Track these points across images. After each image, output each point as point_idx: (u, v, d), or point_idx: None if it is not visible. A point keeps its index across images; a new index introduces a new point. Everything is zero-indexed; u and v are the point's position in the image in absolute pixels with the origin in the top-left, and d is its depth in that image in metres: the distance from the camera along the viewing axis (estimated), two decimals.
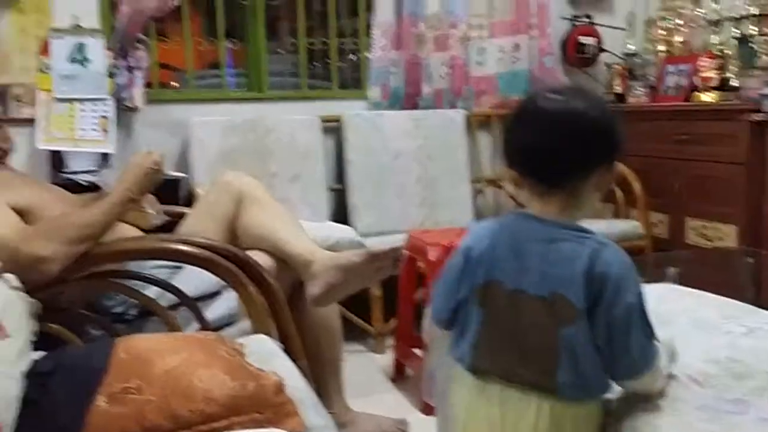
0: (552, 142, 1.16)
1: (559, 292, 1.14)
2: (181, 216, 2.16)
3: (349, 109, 3.52)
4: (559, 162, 1.17)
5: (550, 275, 1.14)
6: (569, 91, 1.23)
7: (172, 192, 2.95)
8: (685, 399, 1.23)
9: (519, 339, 1.17)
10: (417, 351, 2.58)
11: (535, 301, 1.16)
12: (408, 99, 3.65)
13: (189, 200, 3.01)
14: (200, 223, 2.06)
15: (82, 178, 2.83)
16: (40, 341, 1.34)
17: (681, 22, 3.65)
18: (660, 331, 1.36)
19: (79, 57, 3.03)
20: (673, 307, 1.73)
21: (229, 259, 1.70)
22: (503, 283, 1.18)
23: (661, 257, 3.03)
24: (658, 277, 2.29)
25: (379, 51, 3.59)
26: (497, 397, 1.20)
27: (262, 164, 3.27)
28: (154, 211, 2.00)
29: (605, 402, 1.24)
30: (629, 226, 3.32)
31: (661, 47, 3.73)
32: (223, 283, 1.84)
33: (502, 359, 1.19)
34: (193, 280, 1.86)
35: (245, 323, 1.75)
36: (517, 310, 1.17)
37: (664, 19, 3.74)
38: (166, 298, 1.80)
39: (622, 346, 1.13)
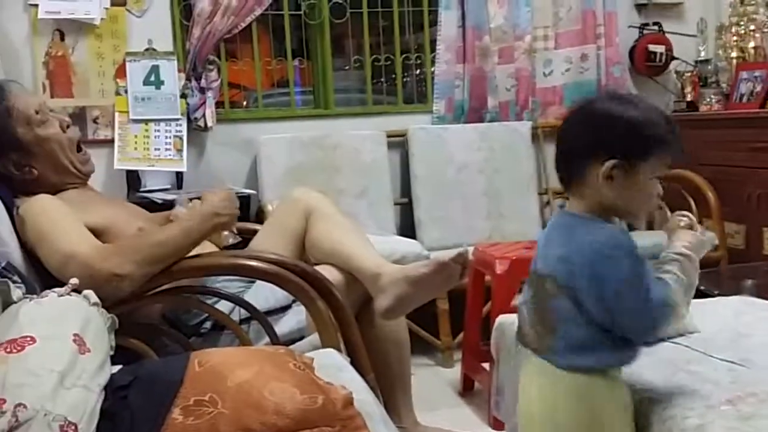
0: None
1: (552, 268, 1.28)
2: (251, 232, 2.21)
3: (414, 124, 3.54)
4: (556, 156, 1.32)
5: (550, 255, 1.29)
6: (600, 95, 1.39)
7: (243, 209, 3.01)
8: (763, 415, 1.20)
9: (534, 313, 1.33)
10: (485, 365, 2.56)
11: (542, 279, 1.31)
12: (473, 112, 3.65)
13: (259, 217, 3.07)
14: (270, 239, 2.10)
15: (158, 197, 2.91)
16: (117, 355, 1.39)
17: (754, 28, 3.55)
18: (736, 347, 1.32)
19: (153, 79, 3.13)
20: (750, 320, 1.68)
21: (298, 274, 1.72)
22: (536, 269, 1.34)
23: (737, 269, 2.93)
24: (734, 290, 2.23)
25: (444, 65, 3.61)
26: (524, 366, 1.36)
27: (329, 180, 3.31)
28: (228, 232, 2.05)
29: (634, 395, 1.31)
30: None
31: (734, 54, 3.63)
32: (292, 297, 1.87)
33: (526, 332, 1.36)
34: (263, 294, 1.89)
35: (314, 337, 1.77)
36: (535, 290, 1.33)
37: (738, 24, 3.65)
38: (238, 312, 1.84)
39: (625, 319, 1.22)
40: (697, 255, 1.28)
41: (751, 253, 3.21)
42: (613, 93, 1.35)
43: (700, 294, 2.26)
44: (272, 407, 1.16)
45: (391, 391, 2.11)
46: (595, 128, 1.26)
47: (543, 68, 3.72)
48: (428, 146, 3.46)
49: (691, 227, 1.33)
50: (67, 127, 2.03)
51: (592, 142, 1.25)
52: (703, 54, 3.80)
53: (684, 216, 1.33)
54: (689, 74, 3.79)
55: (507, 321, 1.86)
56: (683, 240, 1.29)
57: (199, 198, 2.02)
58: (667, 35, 3.84)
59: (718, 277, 2.76)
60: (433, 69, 3.66)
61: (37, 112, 1.95)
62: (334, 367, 1.51)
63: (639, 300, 1.21)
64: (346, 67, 3.92)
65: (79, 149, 2.05)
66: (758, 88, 3.37)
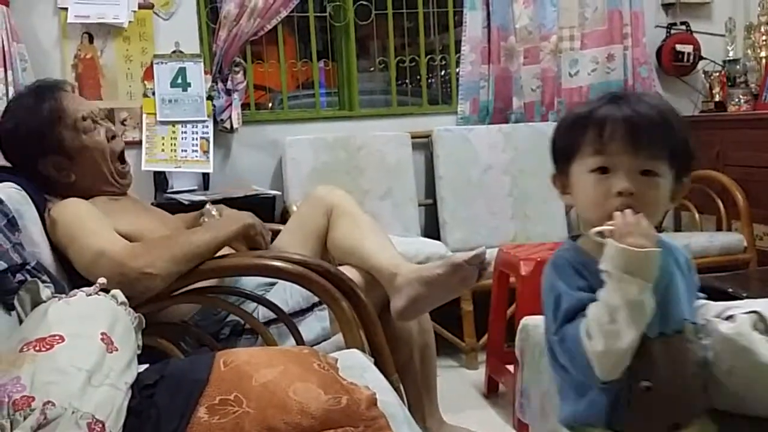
0: None
1: None
2: (275, 232, 2.21)
3: (439, 125, 3.53)
4: None
5: None
6: None
7: (268, 209, 3.03)
8: None
9: None
10: (509, 367, 2.55)
11: None
12: (498, 113, 3.63)
13: (284, 217, 3.09)
14: (293, 239, 2.11)
15: (184, 198, 2.94)
16: (144, 354, 1.40)
17: None
18: None
19: (180, 81, 3.16)
20: None
21: (321, 274, 1.72)
22: None
23: (766, 271, 2.89)
24: (762, 293, 2.19)
25: (469, 66, 3.60)
26: None
27: (353, 181, 3.32)
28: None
29: None
30: (732, 238, 3.20)
31: (763, 53, 3.58)
32: (312, 300, 1.88)
33: None
34: (282, 297, 1.90)
35: (338, 338, 1.78)
36: None
37: (767, 23, 3.60)
38: (259, 314, 1.84)
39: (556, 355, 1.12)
40: (616, 267, 1.01)
41: None
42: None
43: (728, 296, 2.23)
44: (297, 407, 1.17)
45: (416, 392, 2.11)
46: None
47: (569, 68, 3.70)
48: (453, 147, 3.45)
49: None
50: (112, 137, 2.02)
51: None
52: (731, 54, 3.75)
53: (603, 228, 1.05)
54: (717, 74, 3.74)
55: (531, 323, 1.84)
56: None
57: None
58: (694, 35, 3.80)
59: (746, 279, 2.72)
60: (458, 70, 3.66)
61: (84, 119, 1.95)
62: (358, 368, 1.51)
63: (551, 331, 1.10)
64: (371, 69, 3.93)
65: (122, 161, 2.06)
66: None
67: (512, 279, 2.59)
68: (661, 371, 1.05)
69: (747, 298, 2.00)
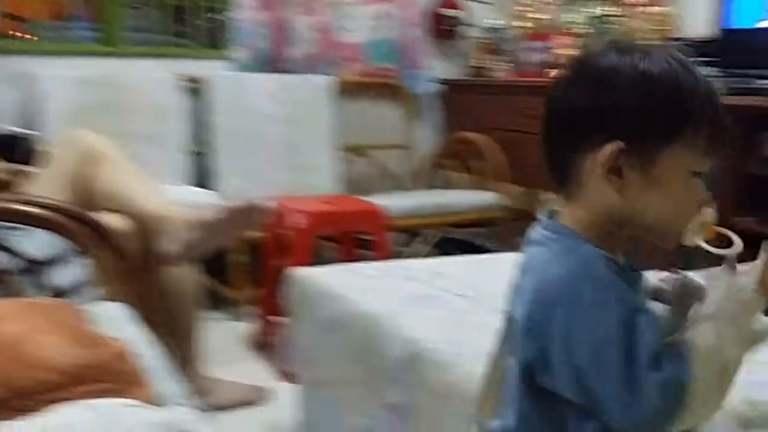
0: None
1: (510, 310, 0.87)
2: (24, 175, 2.03)
3: (213, 70, 3.41)
4: (541, 138, 0.91)
5: (509, 289, 0.87)
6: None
7: (19, 151, 2.76)
8: None
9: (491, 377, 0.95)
10: (280, 318, 2.56)
11: (504, 321, 0.90)
12: (274, 62, 3.58)
13: (33, 159, 2.83)
14: (47, 184, 1.95)
15: None
16: None
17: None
18: None
19: None
20: None
21: (78, 220, 1.61)
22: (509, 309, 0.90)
23: (518, 227, 3.14)
24: (514, 246, 2.37)
25: (246, 11, 3.50)
26: None
27: (116, 124, 3.08)
28: None
29: None
30: (490, 197, 3.41)
31: (524, 23, 3.84)
32: (73, 247, 1.75)
33: (481, 405, 0.96)
34: (38, 243, 1.75)
35: (96, 289, 1.67)
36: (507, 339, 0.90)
37: None
38: (8, 262, 1.69)
39: (601, 396, 0.76)
40: (753, 316, 0.79)
41: (531, 214, 3.44)
42: (626, 43, 0.83)
43: (478, 249, 2.39)
44: (42, 362, 1.09)
45: (178, 344, 2.05)
46: (592, 94, 0.82)
47: (345, 23, 3.72)
48: (227, 94, 3.35)
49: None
50: None
51: (587, 115, 0.82)
52: (494, 22, 3.97)
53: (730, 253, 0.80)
54: (481, 41, 3.95)
55: (299, 274, 1.86)
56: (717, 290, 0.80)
57: None
58: (462, 1, 3.97)
59: (499, 233, 2.94)
60: (234, 14, 3.54)
61: None
62: (116, 320, 1.45)
63: (636, 368, 0.74)
64: (140, 5, 3.68)
65: None
66: (544, 58, 3.60)
67: (285, 231, 2.58)
68: None
69: (499, 251, 2.16)
